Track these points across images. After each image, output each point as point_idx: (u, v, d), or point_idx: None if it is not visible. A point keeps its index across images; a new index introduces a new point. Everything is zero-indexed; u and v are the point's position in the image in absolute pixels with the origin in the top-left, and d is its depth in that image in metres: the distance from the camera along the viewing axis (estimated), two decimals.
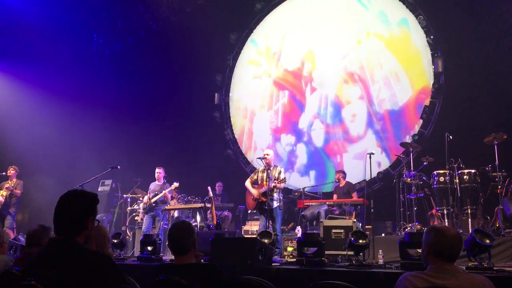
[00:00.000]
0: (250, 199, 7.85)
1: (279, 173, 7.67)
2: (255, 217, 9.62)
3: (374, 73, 10.91)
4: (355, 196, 9.00)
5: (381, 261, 5.90)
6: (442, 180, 7.76)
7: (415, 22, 10.36)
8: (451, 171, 7.66)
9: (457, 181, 7.53)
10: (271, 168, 7.74)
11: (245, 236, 9.22)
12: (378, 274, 4.72)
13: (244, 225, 10.18)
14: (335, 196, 9.32)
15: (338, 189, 9.37)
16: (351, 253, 5.43)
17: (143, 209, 9.40)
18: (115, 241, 6.69)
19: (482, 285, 2.46)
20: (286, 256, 7.46)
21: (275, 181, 7.46)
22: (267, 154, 7.81)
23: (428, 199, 8.21)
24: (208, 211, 9.46)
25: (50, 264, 2.36)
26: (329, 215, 8.47)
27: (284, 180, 7.52)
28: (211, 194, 9.19)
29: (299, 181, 11.44)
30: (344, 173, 9.54)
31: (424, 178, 8.20)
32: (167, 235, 3.21)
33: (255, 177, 7.92)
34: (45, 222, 4.17)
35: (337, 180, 9.44)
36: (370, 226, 7.76)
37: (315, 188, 10.80)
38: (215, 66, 13.44)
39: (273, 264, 5.73)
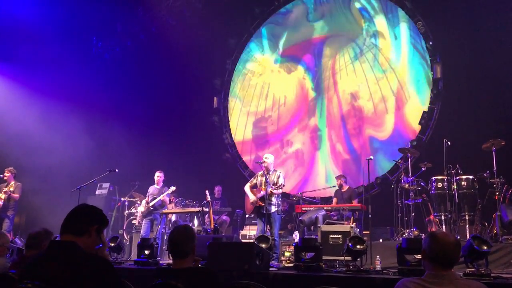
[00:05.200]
0: (249, 203, 7.84)
1: (278, 177, 7.65)
2: (253, 221, 9.60)
3: (373, 78, 10.94)
4: (355, 202, 8.97)
5: (378, 267, 5.90)
6: (440, 186, 7.77)
7: (414, 28, 10.41)
8: (449, 177, 7.67)
9: (455, 187, 7.54)
10: (270, 173, 7.72)
11: (243, 240, 9.20)
12: (375, 280, 4.71)
13: (242, 230, 10.16)
14: (334, 201, 9.29)
15: (340, 194, 9.32)
16: (349, 258, 5.43)
17: (142, 213, 9.39)
18: (112, 244, 6.68)
19: None
20: (284, 261, 7.44)
21: (272, 186, 7.45)
22: (266, 158, 7.81)
23: (426, 205, 8.21)
24: (206, 215, 9.44)
25: (48, 267, 2.36)
26: (327, 220, 8.46)
27: (281, 186, 7.50)
28: (208, 198, 9.18)
29: (297, 186, 11.45)
30: (345, 178, 9.51)
31: (422, 184, 8.21)
32: (168, 238, 3.22)
33: (255, 181, 7.90)
34: (42, 225, 4.17)
35: (338, 186, 9.41)
36: (368, 232, 7.75)
37: (314, 192, 10.78)
38: (214, 70, 13.46)
39: (270, 269, 5.73)
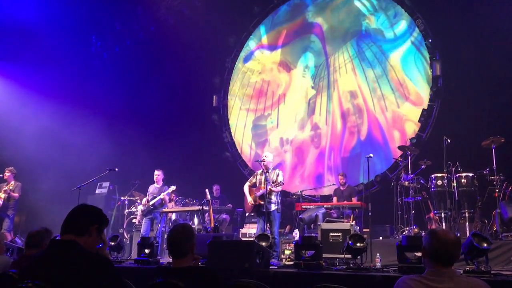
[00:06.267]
0: (248, 202, 7.84)
1: (277, 175, 7.65)
2: (253, 220, 9.60)
3: (372, 76, 10.94)
4: (355, 200, 8.99)
5: (378, 265, 5.91)
6: (439, 184, 7.77)
7: (414, 25, 10.40)
8: (448, 175, 7.66)
9: (455, 184, 7.52)
10: (270, 171, 7.72)
11: (243, 239, 9.21)
12: (375, 277, 4.72)
13: (242, 228, 10.17)
14: (335, 199, 9.31)
15: (340, 192, 9.34)
16: (349, 256, 5.44)
17: (142, 211, 9.39)
18: (113, 243, 6.69)
19: None
20: (284, 259, 7.44)
21: (272, 184, 7.45)
22: (265, 156, 7.81)
23: (426, 203, 8.21)
24: (206, 214, 9.45)
25: (48, 266, 2.37)
26: (327, 218, 8.47)
27: (280, 184, 7.50)
28: (208, 196, 9.18)
29: (297, 184, 11.45)
30: (345, 175, 9.54)
31: (422, 181, 8.20)
32: (167, 238, 3.21)
33: (254, 180, 7.90)
34: (42, 224, 4.17)
35: (341, 183, 9.43)
36: (368, 230, 7.75)
37: (314, 190, 10.78)
38: (214, 69, 13.46)
39: (270, 267, 5.74)
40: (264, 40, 13.17)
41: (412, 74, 10.42)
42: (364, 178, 9.02)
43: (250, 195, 7.76)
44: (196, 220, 9.77)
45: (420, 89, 10.24)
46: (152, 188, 9.44)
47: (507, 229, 7.02)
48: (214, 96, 13.46)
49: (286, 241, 8.01)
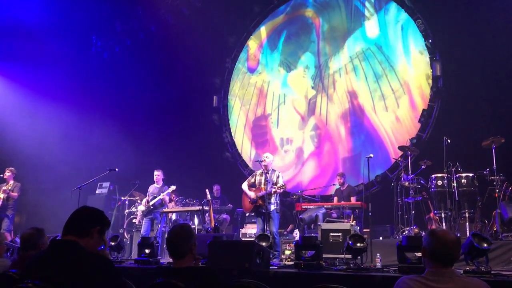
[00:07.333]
0: (247, 201, 7.82)
1: (277, 177, 7.64)
2: (253, 220, 9.60)
3: (372, 76, 10.93)
4: (353, 200, 9.00)
5: (378, 265, 5.91)
6: (440, 184, 7.77)
7: (414, 25, 10.40)
8: (449, 175, 7.65)
9: (455, 184, 7.52)
10: (270, 172, 7.72)
11: (243, 239, 9.20)
12: (375, 277, 4.72)
13: (242, 228, 10.16)
14: (335, 199, 9.32)
15: (340, 192, 9.36)
16: (349, 256, 5.44)
17: (142, 211, 9.39)
18: (113, 243, 6.70)
19: None
20: (284, 259, 7.44)
21: (275, 186, 7.44)
22: (266, 157, 7.80)
23: (426, 203, 8.20)
24: (206, 214, 9.44)
25: (49, 266, 2.37)
26: (327, 219, 8.47)
27: (284, 187, 7.51)
28: (209, 197, 9.18)
29: (297, 184, 11.45)
30: (344, 175, 9.55)
31: (422, 181, 8.20)
32: (166, 239, 3.20)
33: (253, 180, 7.89)
34: (42, 225, 4.15)
35: (339, 183, 9.44)
36: (368, 230, 7.76)
37: (314, 191, 10.78)
38: (214, 69, 13.46)
39: (271, 267, 5.73)
40: (264, 40, 13.17)
41: (412, 74, 10.41)
42: (364, 178, 9.03)
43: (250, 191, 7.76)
44: (196, 220, 9.77)
45: (420, 89, 10.23)
46: (152, 188, 9.44)
47: (507, 229, 7.02)
48: (215, 97, 13.47)
49: (286, 241, 8.01)
